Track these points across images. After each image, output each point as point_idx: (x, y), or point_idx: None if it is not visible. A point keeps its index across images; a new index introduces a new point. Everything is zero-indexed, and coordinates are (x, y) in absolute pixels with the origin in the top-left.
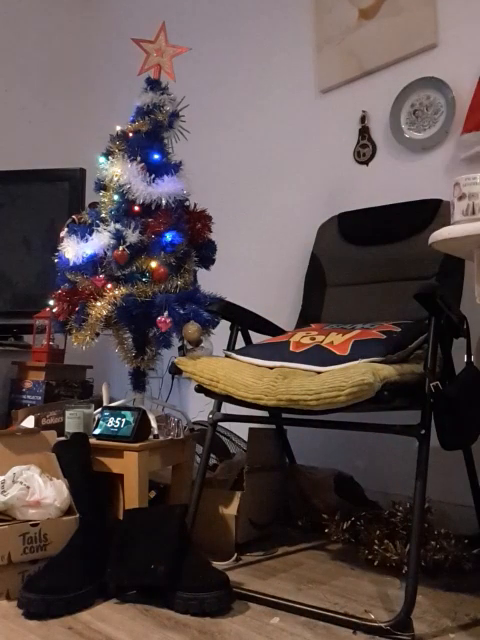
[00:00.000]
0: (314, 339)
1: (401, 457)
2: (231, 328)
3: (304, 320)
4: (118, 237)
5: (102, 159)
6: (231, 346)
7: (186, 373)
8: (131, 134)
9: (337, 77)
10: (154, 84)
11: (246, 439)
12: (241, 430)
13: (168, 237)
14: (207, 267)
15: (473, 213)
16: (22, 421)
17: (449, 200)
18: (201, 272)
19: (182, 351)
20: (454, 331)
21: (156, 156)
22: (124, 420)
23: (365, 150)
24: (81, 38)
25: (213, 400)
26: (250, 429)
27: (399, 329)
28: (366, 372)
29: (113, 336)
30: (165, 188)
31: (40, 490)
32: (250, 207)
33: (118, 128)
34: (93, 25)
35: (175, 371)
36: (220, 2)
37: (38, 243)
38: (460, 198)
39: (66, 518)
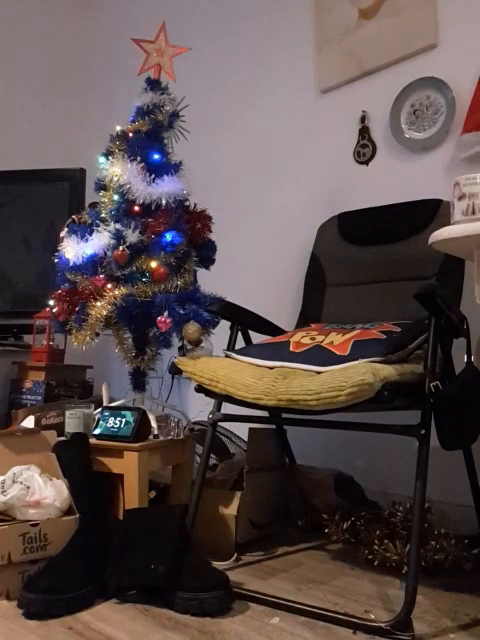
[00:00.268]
0: (314, 339)
1: (401, 457)
2: (231, 328)
3: (304, 320)
4: (118, 237)
5: (102, 159)
6: (231, 346)
7: (186, 373)
8: (131, 134)
9: (337, 77)
10: (154, 84)
11: (246, 439)
12: (241, 430)
13: (168, 237)
14: (207, 267)
15: (473, 213)
16: (22, 421)
17: (449, 200)
18: (201, 272)
19: (182, 351)
20: (454, 331)
21: (156, 156)
22: (124, 420)
23: (365, 150)
24: (81, 38)
25: (213, 400)
26: (250, 429)
27: (399, 329)
28: (366, 372)
29: (113, 336)
30: (165, 188)
31: (40, 490)
32: (250, 207)
33: (118, 128)
34: (93, 25)
35: (175, 371)
36: (220, 2)
37: (38, 243)
38: (460, 198)
39: (66, 518)
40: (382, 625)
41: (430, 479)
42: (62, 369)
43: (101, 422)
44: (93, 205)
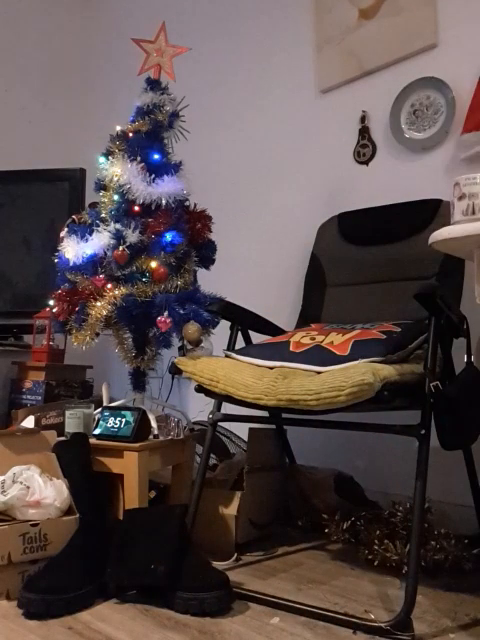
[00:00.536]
0: (314, 339)
1: (401, 457)
2: (231, 328)
3: (304, 320)
4: (118, 237)
5: (102, 159)
6: (231, 346)
7: (186, 373)
8: (131, 134)
9: (337, 77)
10: (154, 84)
11: (246, 439)
12: (241, 430)
13: (168, 237)
14: (207, 267)
15: (473, 213)
16: (22, 421)
17: (449, 200)
18: (201, 272)
19: (182, 351)
20: (454, 331)
21: (156, 156)
22: (124, 420)
23: (365, 150)
24: (81, 38)
25: (213, 400)
26: (250, 429)
27: (399, 329)
28: (366, 372)
29: (113, 336)
30: (165, 188)
31: (40, 490)
32: (250, 207)
33: (118, 128)
34: (93, 25)
35: (175, 371)
36: (220, 2)
37: (38, 243)
38: (460, 198)
39: (66, 518)
40: (382, 625)
41: (430, 479)
42: (62, 369)
43: (101, 422)
44: (93, 205)
